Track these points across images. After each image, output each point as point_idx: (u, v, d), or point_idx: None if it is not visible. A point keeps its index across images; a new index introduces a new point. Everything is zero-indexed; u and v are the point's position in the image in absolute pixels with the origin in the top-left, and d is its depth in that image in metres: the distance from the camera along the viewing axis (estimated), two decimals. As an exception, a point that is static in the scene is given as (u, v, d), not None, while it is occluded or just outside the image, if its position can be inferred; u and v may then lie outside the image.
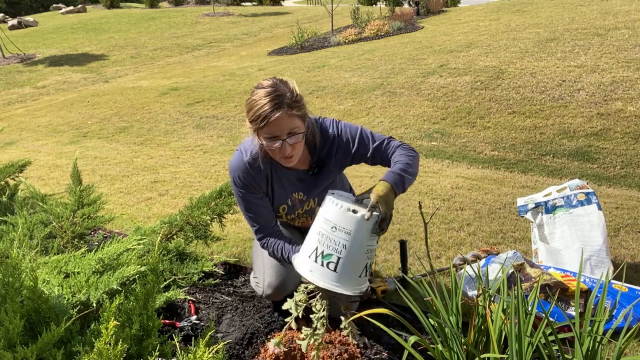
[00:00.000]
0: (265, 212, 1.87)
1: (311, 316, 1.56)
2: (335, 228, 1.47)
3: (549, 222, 2.64)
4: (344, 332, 1.59)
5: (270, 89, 1.60)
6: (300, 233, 2.16)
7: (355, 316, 1.55)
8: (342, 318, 1.58)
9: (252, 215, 1.86)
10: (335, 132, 1.80)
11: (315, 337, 1.53)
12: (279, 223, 2.01)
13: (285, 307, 1.57)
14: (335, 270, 1.47)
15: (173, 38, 15.23)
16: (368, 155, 1.79)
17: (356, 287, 1.51)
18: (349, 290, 1.48)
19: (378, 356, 1.87)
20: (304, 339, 1.53)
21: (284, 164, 1.77)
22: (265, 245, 1.87)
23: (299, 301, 1.56)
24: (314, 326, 1.53)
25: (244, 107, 1.67)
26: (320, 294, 1.55)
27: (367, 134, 1.82)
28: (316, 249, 1.51)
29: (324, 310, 1.53)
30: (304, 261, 1.55)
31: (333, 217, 1.48)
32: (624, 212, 3.34)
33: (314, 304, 1.55)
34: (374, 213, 1.48)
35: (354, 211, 1.46)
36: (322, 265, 1.49)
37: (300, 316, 1.55)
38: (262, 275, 2.01)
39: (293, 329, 1.78)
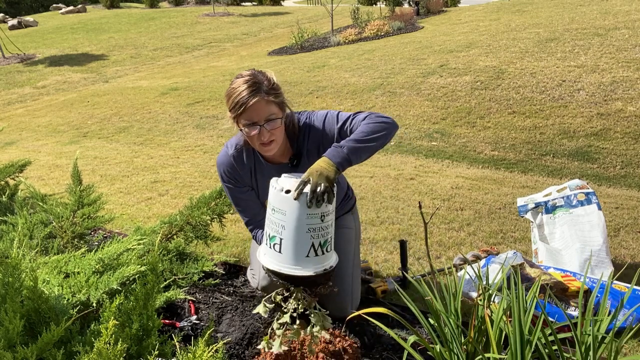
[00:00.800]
0: (253, 205, 1.94)
1: (282, 314, 1.57)
2: (274, 210, 1.51)
3: (549, 222, 2.64)
4: (315, 329, 1.58)
5: (248, 77, 1.66)
6: None
7: (355, 314, 1.55)
8: (311, 313, 1.57)
9: (241, 209, 1.95)
10: (307, 121, 1.83)
11: (288, 335, 1.55)
12: None
13: (255, 311, 1.61)
14: (280, 251, 1.50)
15: (173, 38, 15.23)
16: (335, 137, 1.76)
17: (308, 267, 1.49)
18: (299, 270, 1.48)
19: (378, 356, 1.87)
20: (276, 339, 1.55)
21: (263, 153, 1.79)
22: (255, 236, 1.97)
23: (269, 302, 1.58)
24: (282, 321, 1.55)
25: (224, 99, 1.72)
26: (296, 293, 1.56)
27: (333, 115, 1.79)
28: (266, 232, 1.55)
29: (297, 306, 1.54)
30: (261, 247, 1.61)
31: (271, 199, 1.52)
32: (624, 212, 3.34)
33: (289, 302, 1.56)
34: (304, 190, 1.46)
35: (287, 191, 1.48)
36: (270, 247, 1.53)
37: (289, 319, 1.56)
38: (259, 267, 2.02)
39: (290, 329, 1.78)
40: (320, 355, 1.83)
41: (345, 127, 1.75)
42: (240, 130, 1.72)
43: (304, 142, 1.84)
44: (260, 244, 1.91)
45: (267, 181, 1.84)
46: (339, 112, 1.80)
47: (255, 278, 2.09)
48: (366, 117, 1.71)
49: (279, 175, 1.64)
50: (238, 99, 1.64)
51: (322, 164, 1.53)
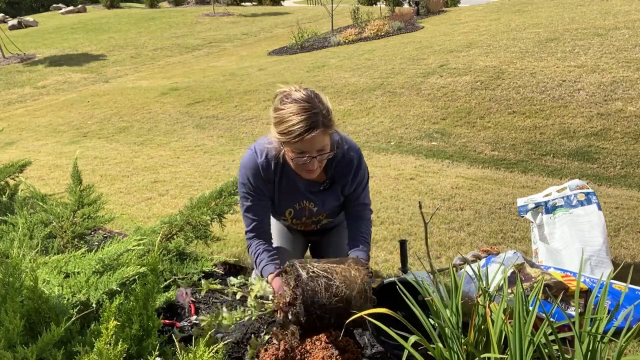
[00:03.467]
0: (263, 216, 1.88)
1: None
2: None
3: (549, 222, 2.64)
4: None
5: (305, 104, 1.55)
6: (302, 235, 2.16)
7: (355, 316, 1.55)
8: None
9: (250, 216, 1.87)
10: (350, 156, 1.81)
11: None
12: (281, 225, 2.02)
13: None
14: None
15: (173, 38, 15.23)
16: (349, 190, 1.87)
17: None
18: None
19: (378, 356, 1.87)
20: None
21: (303, 176, 1.76)
22: (249, 244, 1.89)
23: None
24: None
25: (272, 114, 1.62)
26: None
27: (364, 178, 1.89)
28: None
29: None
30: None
31: None
32: (624, 212, 3.34)
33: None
34: None
35: None
36: None
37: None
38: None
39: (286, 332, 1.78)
40: (320, 355, 1.83)
41: (357, 196, 1.88)
42: (280, 148, 1.67)
43: (337, 171, 1.82)
44: (252, 256, 1.86)
45: (290, 192, 1.86)
46: (367, 180, 1.91)
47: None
48: (369, 217, 1.94)
49: (307, 192, 1.82)
50: (293, 129, 1.55)
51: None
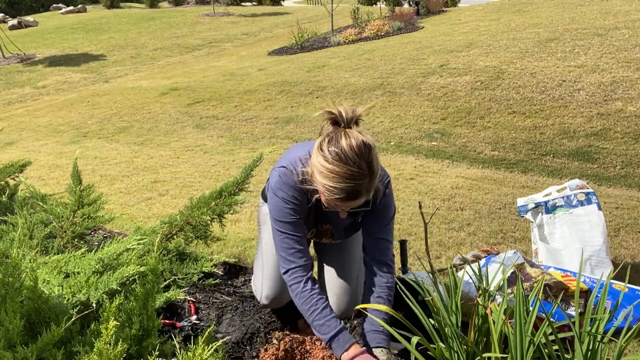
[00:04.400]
0: (305, 236, 1.68)
1: None
2: None
3: (549, 222, 2.64)
4: None
5: (353, 169, 1.40)
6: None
7: (359, 319, 1.54)
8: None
9: (294, 236, 1.62)
10: (382, 202, 1.68)
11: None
12: None
13: None
14: None
15: (173, 38, 15.23)
16: (371, 234, 1.73)
17: None
18: None
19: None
20: None
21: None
22: (304, 284, 1.59)
23: None
24: None
25: (315, 162, 1.46)
26: None
27: (391, 225, 1.74)
28: None
29: None
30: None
31: None
32: (624, 212, 3.34)
33: None
34: None
35: None
36: None
37: None
38: (260, 285, 1.97)
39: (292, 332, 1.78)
40: (320, 355, 1.83)
41: (377, 228, 1.72)
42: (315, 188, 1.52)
43: (374, 203, 1.69)
44: (305, 309, 1.58)
45: (317, 215, 1.71)
46: (393, 213, 1.74)
47: (258, 294, 1.98)
48: (391, 259, 1.74)
49: (329, 215, 1.65)
50: (333, 192, 1.44)
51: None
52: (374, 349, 1.57)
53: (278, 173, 1.64)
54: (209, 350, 1.29)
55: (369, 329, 1.62)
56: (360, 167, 1.41)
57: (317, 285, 1.61)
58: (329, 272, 2.00)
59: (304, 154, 1.62)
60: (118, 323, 1.32)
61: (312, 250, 2.33)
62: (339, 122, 1.50)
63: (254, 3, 25.28)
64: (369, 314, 1.60)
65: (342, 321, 1.58)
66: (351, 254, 2.01)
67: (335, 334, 1.53)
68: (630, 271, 2.47)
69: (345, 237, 1.91)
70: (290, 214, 1.62)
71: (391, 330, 1.43)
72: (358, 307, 1.62)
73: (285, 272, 1.62)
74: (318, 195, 1.57)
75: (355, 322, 2.04)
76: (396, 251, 2.76)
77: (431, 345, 1.44)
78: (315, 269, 2.11)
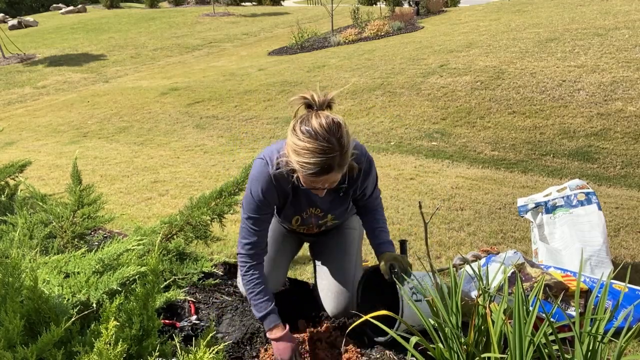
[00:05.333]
0: (266, 230, 1.83)
1: None
2: None
3: (549, 222, 2.64)
4: None
5: (323, 144, 1.49)
6: (296, 236, 2.14)
7: (359, 321, 1.55)
8: None
9: (253, 230, 1.77)
10: (365, 169, 1.79)
11: None
12: (274, 225, 2.01)
13: None
14: None
15: (173, 38, 15.24)
16: (359, 192, 1.87)
17: None
18: None
19: (378, 356, 1.87)
20: None
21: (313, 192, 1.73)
22: (246, 266, 1.78)
23: None
24: None
25: (290, 130, 1.56)
26: None
27: (377, 186, 1.91)
28: None
29: None
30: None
31: None
32: (624, 212, 3.34)
33: None
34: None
35: None
36: None
37: None
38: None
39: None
40: (321, 355, 1.83)
41: (368, 194, 1.90)
42: (292, 168, 1.61)
43: (354, 183, 1.81)
44: (252, 294, 1.77)
45: (300, 202, 1.83)
46: (377, 178, 1.91)
47: (240, 283, 2.05)
48: (380, 203, 1.98)
49: (316, 199, 1.81)
50: (307, 167, 1.52)
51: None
52: (383, 254, 1.84)
53: (255, 164, 1.76)
54: (209, 353, 1.29)
55: (379, 243, 1.89)
56: (330, 142, 1.50)
57: (259, 273, 1.79)
58: (326, 272, 2.01)
59: (282, 145, 1.70)
60: (118, 323, 1.32)
61: (308, 252, 2.33)
62: (312, 106, 1.59)
63: (254, 3, 25.28)
64: (381, 233, 1.90)
65: (273, 303, 1.77)
66: (347, 253, 2.01)
67: (265, 314, 1.75)
68: (630, 271, 2.48)
69: (334, 214, 1.93)
70: (256, 209, 1.75)
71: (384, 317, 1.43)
72: (356, 322, 1.70)
73: (238, 254, 1.82)
74: (295, 175, 1.66)
75: (350, 321, 2.04)
76: (396, 251, 2.76)
77: (431, 346, 1.44)
78: (313, 268, 2.12)
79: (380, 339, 1.84)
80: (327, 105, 1.60)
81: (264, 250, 1.83)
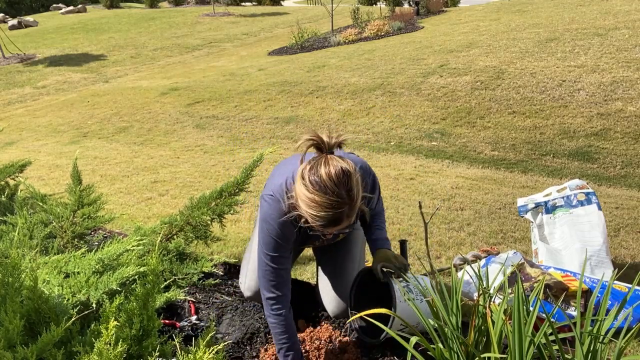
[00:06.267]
0: (289, 267, 1.77)
1: None
2: None
3: (549, 222, 2.64)
4: None
5: (332, 198, 1.44)
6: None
7: (357, 315, 1.55)
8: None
9: (276, 269, 1.70)
10: (370, 190, 1.75)
11: None
12: None
13: None
14: None
15: (173, 38, 15.23)
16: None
17: None
18: None
19: (378, 356, 1.87)
20: None
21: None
22: (274, 308, 1.70)
23: None
24: None
25: (298, 190, 1.50)
26: None
27: (380, 198, 1.88)
28: None
29: None
30: None
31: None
32: (624, 212, 3.34)
33: None
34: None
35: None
36: None
37: None
38: (245, 277, 2.02)
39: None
40: (322, 353, 1.83)
41: (371, 208, 1.84)
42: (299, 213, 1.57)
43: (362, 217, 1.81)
44: (276, 333, 1.71)
45: (312, 236, 1.81)
46: (379, 191, 1.86)
47: (242, 282, 2.04)
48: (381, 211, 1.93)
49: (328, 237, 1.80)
50: (317, 220, 1.49)
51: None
52: (377, 252, 1.82)
53: (266, 202, 1.69)
54: (209, 353, 1.29)
55: (374, 239, 1.86)
56: (339, 197, 1.45)
57: (289, 314, 1.72)
58: (327, 272, 2.01)
59: (290, 175, 1.65)
60: (118, 323, 1.32)
61: (310, 251, 2.33)
62: (321, 149, 1.53)
63: (254, 3, 25.28)
64: (377, 230, 1.86)
65: (293, 352, 1.71)
66: (350, 253, 2.01)
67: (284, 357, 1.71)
68: (630, 271, 2.47)
69: (344, 233, 1.95)
70: (277, 247, 1.69)
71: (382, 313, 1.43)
72: (353, 317, 1.72)
73: (266, 298, 1.72)
74: (304, 220, 1.59)
75: (348, 323, 2.04)
76: (396, 251, 2.76)
77: (431, 346, 1.44)
78: (313, 268, 2.11)
79: (371, 340, 1.82)
80: (338, 145, 1.55)
81: (289, 290, 1.75)
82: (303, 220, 1.58)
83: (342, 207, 1.46)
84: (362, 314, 1.51)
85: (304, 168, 1.50)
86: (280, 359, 1.72)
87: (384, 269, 1.73)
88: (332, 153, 1.52)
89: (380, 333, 1.76)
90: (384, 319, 1.57)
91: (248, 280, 1.99)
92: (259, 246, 1.73)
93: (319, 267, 2.07)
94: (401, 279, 1.73)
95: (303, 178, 1.49)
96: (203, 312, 2.15)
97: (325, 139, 1.52)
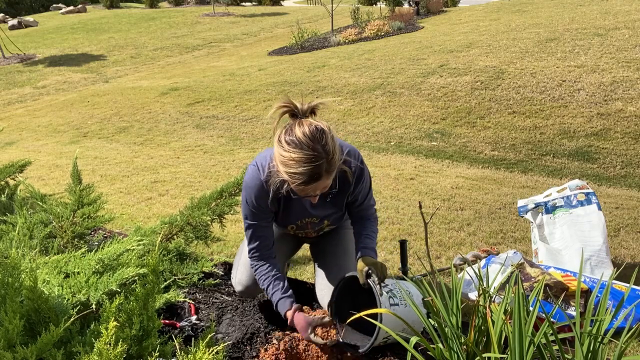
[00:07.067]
0: (269, 236, 1.84)
1: None
2: None
3: (549, 223, 2.64)
4: None
5: (308, 152, 1.48)
6: (297, 239, 2.15)
7: (356, 316, 1.55)
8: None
9: (254, 236, 1.81)
10: (358, 172, 1.77)
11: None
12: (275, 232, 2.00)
13: None
14: None
15: (173, 38, 15.23)
16: (351, 198, 1.85)
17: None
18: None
19: (378, 356, 1.86)
20: None
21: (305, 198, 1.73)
22: (255, 266, 1.83)
23: None
24: None
25: (275, 141, 1.55)
26: None
27: (370, 192, 1.89)
28: None
29: None
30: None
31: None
32: (624, 212, 3.34)
33: None
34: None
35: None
36: None
37: None
38: (236, 271, 2.03)
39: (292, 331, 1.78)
40: (321, 354, 1.83)
41: (361, 200, 1.86)
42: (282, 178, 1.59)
43: (340, 182, 1.79)
44: (266, 287, 1.80)
45: (294, 210, 1.83)
46: (370, 183, 1.87)
47: (234, 277, 2.06)
48: (374, 214, 1.94)
49: (311, 208, 1.80)
50: (295, 177, 1.52)
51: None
52: (361, 258, 1.80)
53: (247, 171, 1.77)
54: (209, 354, 1.29)
55: (361, 247, 1.85)
56: (315, 150, 1.49)
57: (267, 264, 1.82)
58: (325, 272, 2.01)
59: (273, 152, 1.70)
60: (118, 323, 1.32)
61: (307, 252, 2.33)
62: (296, 114, 1.58)
63: (254, 3, 25.28)
64: (366, 239, 1.85)
65: (281, 291, 1.78)
66: (346, 252, 2.01)
67: (276, 304, 1.78)
68: (630, 271, 2.47)
69: (330, 219, 1.93)
70: (252, 215, 1.78)
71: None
72: (352, 318, 1.69)
73: (250, 258, 1.84)
74: (287, 187, 1.65)
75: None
76: (396, 251, 2.76)
77: (431, 346, 1.44)
78: (314, 268, 2.12)
79: (353, 351, 1.78)
80: (312, 111, 1.59)
81: (270, 250, 1.84)
82: (286, 186, 1.64)
83: (319, 160, 1.49)
84: (362, 313, 1.51)
85: (280, 133, 1.56)
86: (276, 306, 1.77)
87: (370, 272, 1.72)
88: (307, 117, 1.57)
89: (367, 337, 1.73)
90: (369, 327, 1.57)
91: (239, 274, 2.00)
92: (242, 215, 1.81)
93: (317, 267, 2.08)
94: (384, 284, 1.71)
95: (279, 141, 1.54)
96: (203, 312, 2.15)
97: (298, 105, 1.57)
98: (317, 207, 1.83)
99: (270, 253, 1.84)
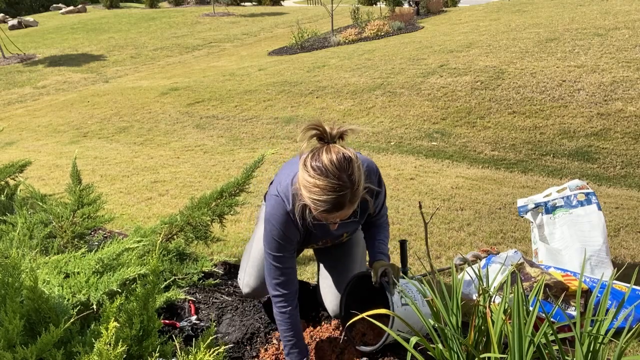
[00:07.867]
0: (294, 267, 1.77)
1: None
2: None
3: (549, 223, 2.64)
4: None
5: (334, 181, 1.45)
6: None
7: (358, 317, 1.55)
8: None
9: (280, 269, 1.72)
10: (376, 189, 1.76)
11: None
12: None
13: None
14: None
15: (173, 38, 15.23)
16: (368, 208, 1.82)
17: None
18: None
19: (378, 356, 1.87)
20: None
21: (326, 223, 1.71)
22: (280, 305, 1.73)
23: None
24: None
25: (300, 165, 1.51)
26: None
27: (381, 201, 1.86)
28: None
29: None
30: None
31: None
32: (624, 212, 3.34)
33: None
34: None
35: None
36: None
37: None
38: (244, 273, 2.01)
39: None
40: (322, 353, 1.83)
41: (377, 211, 1.85)
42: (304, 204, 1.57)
43: (366, 206, 1.78)
44: (282, 330, 1.73)
45: (318, 235, 1.81)
46: (385, 194, 1.87)
47: (241, 279, 2.03)
48: (386, 220, 1.94)
49: (331, 231, 1.76)
50: (318, 205, 1.50)
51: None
52: (376, 262, 1.81)
53: (270, 202, 1.71)
54: (209, 354, 1.29)
55: (377, 252, 1.86)
56: (340, 180, 1.46)
57: (294, 312, 1.75)
58: (329, 272, 2.01)
59: (293, 178, 1.66)
60: (118, 323, 1.32)
61: (310, 251, 2.33)
62: (323, 138, 1.54)
63: (254, 3, 25.28)
64: (380, 244, 1.87)
65: (298, 350, 1.74)
66: (351, 253, 2.01)
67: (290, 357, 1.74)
68: (630, 271, 2.47)
69: (348, 232, 1.94)
70: (280, 248, 1.71)
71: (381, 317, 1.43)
72: (353, 319, 1.71)
73: (272, 296, 1.76)
74: (311, 216, 1.62)
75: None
76: (396, 251, 2.76)
77: (431, 346, 1.44)
78: (313, 268, 2.12)
79: (366, 348, 1.81)
80: (340, 137, 1.56)
81: (296, 288, 1.77)
82: (308, 211, 1.60)
83: (343, 190, 1.47)
84: (365, 314, 1.51)
85: (306, 157, 1.52)
86: (285, 356, 1.74)
87: (386, 271, 1.74)
88: (334, 142, 1.54)
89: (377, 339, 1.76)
90: (377, 327, 1.58)
91: (247, 277, 1.98)
92: (264, 245, 1.75)
93: (320, 267, 2.07)
94: (397, 287, 1.73)
95: (305, 165, 1.50)
96: (203, 312, 2.15)
97: (327, 129, 1.53)
98: (340, 226, 1.79)
99: (295, 292, 1.76)
